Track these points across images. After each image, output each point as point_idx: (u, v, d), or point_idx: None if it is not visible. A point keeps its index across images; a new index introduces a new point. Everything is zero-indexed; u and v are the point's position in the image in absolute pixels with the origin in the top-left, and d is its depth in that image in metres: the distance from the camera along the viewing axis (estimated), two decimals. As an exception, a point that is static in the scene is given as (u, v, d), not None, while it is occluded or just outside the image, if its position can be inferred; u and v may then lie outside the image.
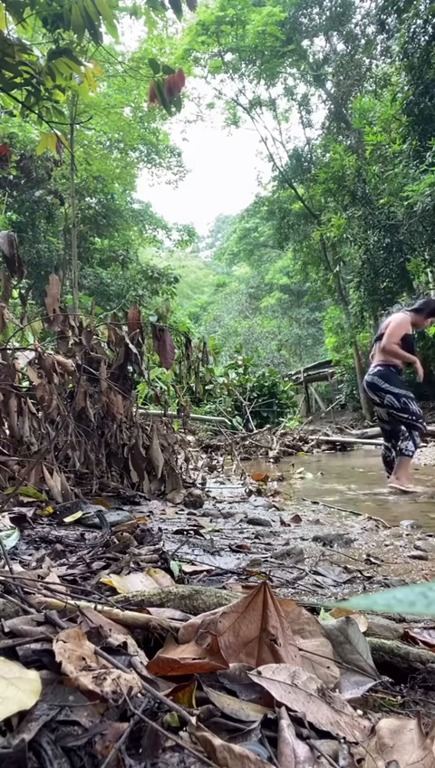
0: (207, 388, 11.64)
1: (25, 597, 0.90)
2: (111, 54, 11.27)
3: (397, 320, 4.35)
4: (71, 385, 3.05)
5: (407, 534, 2.43)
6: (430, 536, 2.36)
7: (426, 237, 12.97)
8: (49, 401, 2.65)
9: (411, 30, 12.51)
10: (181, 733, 0.60)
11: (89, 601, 0.92)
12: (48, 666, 0.67)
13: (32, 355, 2.76)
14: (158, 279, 19.87)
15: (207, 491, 3.73)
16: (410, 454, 4.23)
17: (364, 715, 0.76)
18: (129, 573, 1.26)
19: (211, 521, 2.49)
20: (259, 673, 0.72)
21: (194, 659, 0.75)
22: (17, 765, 0.51)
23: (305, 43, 22.07)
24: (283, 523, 2.61)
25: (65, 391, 3.06)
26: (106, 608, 0.90)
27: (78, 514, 2.08)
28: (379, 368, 4.37)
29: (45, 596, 0.93)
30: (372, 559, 1.88)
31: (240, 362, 14.14)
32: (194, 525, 2.23)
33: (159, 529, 2.05)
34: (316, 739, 0.65)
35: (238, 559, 1.72)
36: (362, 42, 19.98)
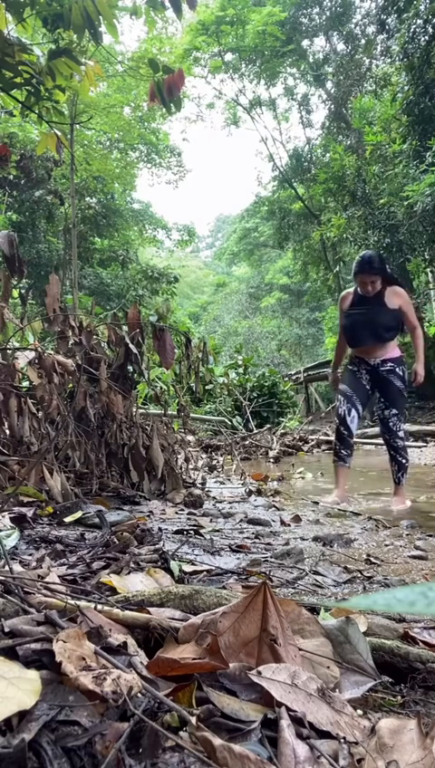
0: (207, 388, 11.62)
1: (25, 597, 0.90)
2: (110, 54, 11.26)
3: None
4: (71, 385, 3.05)
5: (407, 534, 2.43)
6: (430, 536, 2.37)
7: (426, 237, 12.96)
8: (49, 401, 2.65)
9: (411, 30, 12.49)
10: (181, 733, 0.60)
11: (89, 601, 0.92)
12: (48, 666, 0.67)
13: (32, 355, 2.76)
14: (158, 279, 19.85)
15: (207, 491, 3.73)
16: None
17: (364, 714, 0.76)
18: (129, 573, 1.26)
19: (211, 521, 2.49)
20: (259, 673, 0.72)
21: (194, 659, 0.75)
22: (17, 765, 0.51)
23: (305, 43, 22.04)
24: (283, 522, 2.61)
25: (65, 391, 3.06)
26: (106, 608, 0.90)
27: (78, 514, 2.08)
28: None
29: (45, 596, 0.93)
30: (372, 559, 1.88)
31: (240, 362, 14.11)
32: (194, 525, 2.23)
33: (159, 529, 2.05)
34: (316, 739, 0.65)
35: (238, 559, 1.72)
36: (362, 42, 19.94)
